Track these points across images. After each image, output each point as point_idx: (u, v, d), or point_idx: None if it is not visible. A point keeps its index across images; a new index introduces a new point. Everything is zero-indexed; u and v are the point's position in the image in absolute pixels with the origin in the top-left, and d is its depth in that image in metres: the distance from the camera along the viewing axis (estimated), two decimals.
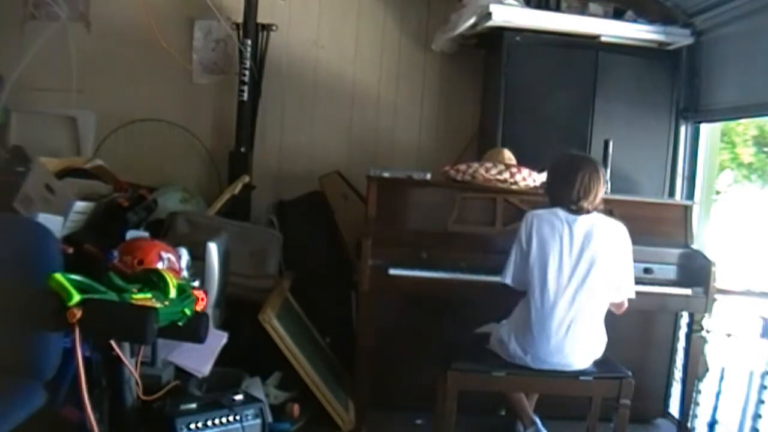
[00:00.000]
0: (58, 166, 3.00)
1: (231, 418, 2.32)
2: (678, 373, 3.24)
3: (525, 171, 2.98)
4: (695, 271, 2.95)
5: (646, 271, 2.97)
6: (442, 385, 2.50)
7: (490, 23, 3.24)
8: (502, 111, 3.35)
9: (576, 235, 2.42)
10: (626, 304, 2.55)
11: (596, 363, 2.50)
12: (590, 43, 3.37)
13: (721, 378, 2.83)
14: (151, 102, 3.59)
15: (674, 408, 3.23)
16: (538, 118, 3.34)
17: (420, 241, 2.88)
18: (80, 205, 2.69)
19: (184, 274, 2.25)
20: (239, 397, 2.41)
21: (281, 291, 3.12)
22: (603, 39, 3.36)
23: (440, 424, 2.53)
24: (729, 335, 2.94)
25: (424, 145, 3.84)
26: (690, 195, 3.46)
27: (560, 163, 2.57)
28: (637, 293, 2.56)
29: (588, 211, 2.46)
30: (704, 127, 3.49)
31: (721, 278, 2.93)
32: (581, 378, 2.47)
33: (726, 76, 3.26)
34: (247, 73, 3.45)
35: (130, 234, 2.51)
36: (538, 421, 2.73)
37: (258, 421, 2.39)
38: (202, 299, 1.91)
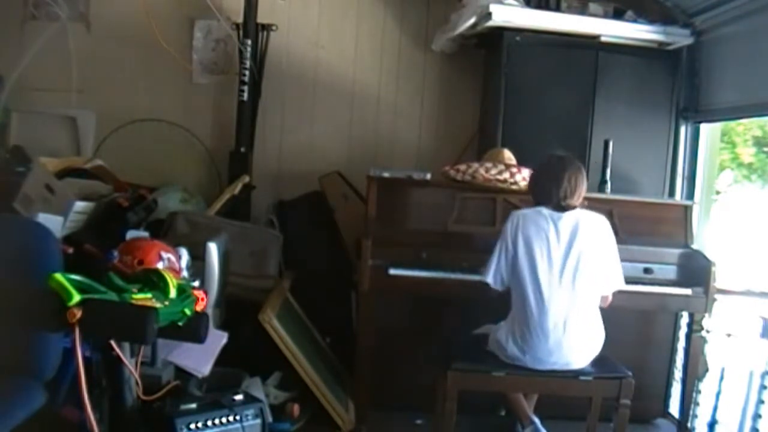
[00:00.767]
0: (58, 166, 3.00)
1: (231, 418, 2.32)
2: (678, 373, 3.24)
3: (525, 171, 2.98)
4: (695, 271, 2.95)
5: (646, 271, 2.97)
6: (442, 385, 2.50)
7: (490, 23, 3.24)
8: (502, 111, 3.35)
9: (562, 231, 2.45)
10: (611, 298, 2.57)
11: (596, 363, 2.50)
12: (590, 43, 3.37)
13: (721, 378, 2.83)
14: (151, 102, 3.59)
15: (674, 408, 3.23)
16: (538, 118, 3.34)
17: (420, 241, 2.88)
18: (80, 205, 2.69)
19: (184, 274, 2.25)
20: (239, 397, 2.41)
21: (281, 291, 3.12)
22: (603, 39, 3.36)
23: (440, 424, 2.53)
24: (729, 335, 2.94)
25: (424, 145, 3.84)
26: (690, 195, 3.46)
27: (547, 164, 2.59)
28: (637, 293, 2.57)
29: (573, 208, 2.50)
30: (704, 127, 3.49)
31: (721, 278, 2.93)
32: (581, 378, 2.47)
33: (726, 76, 3.26)
34: (247, 73, 3.45)
35: (130, 234, 2.50)
36: (537, 420, 2.73)
37: (258, 421, 2.39)
38: (202, 299, 1.91)
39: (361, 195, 3.46)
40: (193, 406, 2.29)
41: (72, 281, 1.60)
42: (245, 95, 3.46)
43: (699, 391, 3.00)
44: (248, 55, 3.44)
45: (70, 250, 2.34)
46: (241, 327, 2.75)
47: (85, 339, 1.69)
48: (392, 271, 2.78)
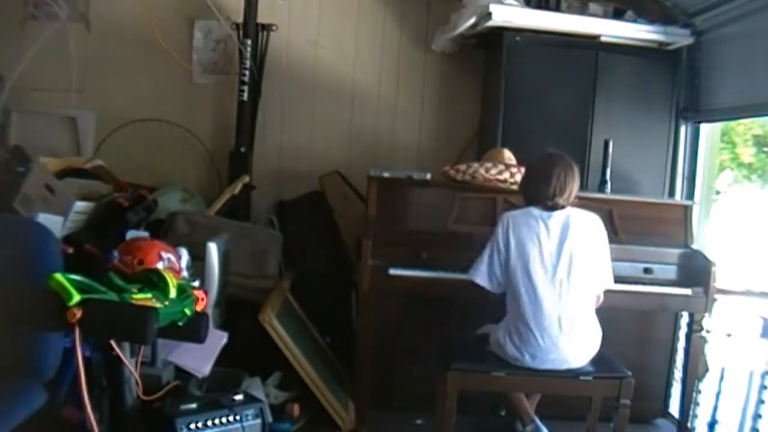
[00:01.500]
0: (58, 166, 3.01)
1: (231, 418, 2.32)
2: (678, 373, 3.24)
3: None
4: (695, 271, 2.95)
5: (646, 271, 2.97)
6: (442, 385, 2.50)
7: (490, 23, 3.24)
8: (502, 111, 3.35)
9: (552, 230, 2.45)
10: (602, 297, 2.57)
11: (596, 363, 2.50)
12: (590, 43, 3.37)
13: (721, 378, 2.83)
14: (151, 102, 3.59)
15: (674, 408, 3.23)
16: (538, 118, 3.34)
17: (420, 241, 2.88)
18: (80, 205, 2.69)
19: (184, 274, 2.25)
20: (239, 397, 2.41)
21: (281, 291, 3.12)
22: (603, 39, 3.36)
23: (440, 424, 2.53)
24: (729, 335, 2.94)
25: (424, 145, 3.84)
26: (690, 195, 3.46)
27: (536, 162, 2.59)
28: (637, 293, 2.56)
29: (563, 207, 2.49)
30: (704, 127, 3.48)
31: (721, 278, 2.93)
32: (581, 378, 2.47)
33: (726, 76, 3.26)
34: (247, 73, 3.45)
35: (130, 234, 2.51)
36: (537, 420, 2.73)
37: (258, 421, 2.39)
38: (202, 299, 1.91)
39: (361, 195, 3.47)
40: (193, 406, 2.29)
41: (72, 281, 1.59)
42: (245, 95, 3.47)
43: (699, 391, 3.00)
44: (248, 55, 3.45)
45: (70, 250, 2.33)
46: (241, 327, 2.75)
47: (85, 339, 1.69)
48: (392, 271, 2.78)
